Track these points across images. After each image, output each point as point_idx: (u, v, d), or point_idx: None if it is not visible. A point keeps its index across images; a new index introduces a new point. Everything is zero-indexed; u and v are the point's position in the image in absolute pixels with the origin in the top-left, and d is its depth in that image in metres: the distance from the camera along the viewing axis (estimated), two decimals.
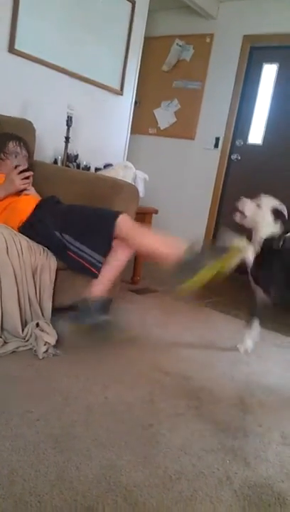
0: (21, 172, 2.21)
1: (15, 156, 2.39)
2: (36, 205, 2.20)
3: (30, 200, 2.20)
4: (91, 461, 1.30)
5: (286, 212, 2.15)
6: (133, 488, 1.22)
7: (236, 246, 1.94)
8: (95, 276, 2.09)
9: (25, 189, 2.25)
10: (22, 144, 2.45)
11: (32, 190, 2.33)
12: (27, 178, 2.23)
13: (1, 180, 2.24)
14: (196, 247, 1.97)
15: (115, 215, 2.08)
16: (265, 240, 2.13)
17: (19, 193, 2.25)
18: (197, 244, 1.99)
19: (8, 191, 2.20)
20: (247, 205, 2.18)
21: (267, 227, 2.13)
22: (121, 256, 2.14)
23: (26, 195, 2.27)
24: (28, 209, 2.15)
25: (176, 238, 2.07)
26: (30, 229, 2.12)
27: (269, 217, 2.14)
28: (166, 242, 2.06)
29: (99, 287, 2.11)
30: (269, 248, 2.12)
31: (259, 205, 2.16)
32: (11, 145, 2.39)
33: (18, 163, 2.35)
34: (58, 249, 2.08)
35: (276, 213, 2.14)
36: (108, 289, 2.14)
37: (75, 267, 2.09)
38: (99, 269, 2.08)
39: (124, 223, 2.08)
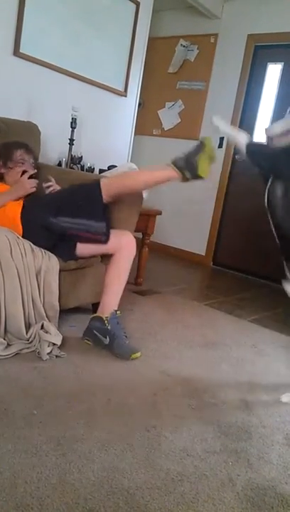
0: (30, 177, 2.25)
1: (23, 163, 2.40)
2: (22, 207, 2.19)
3: (14, 205, 2.19)
4: (93, 464, 1.30)
5: None
6: (135, 491, 1.22)
7: (206, 137, 2.17)
8: (105, 241, 2.16)
9: (34, 192, 2.26)
10: (28, 151, 2.45)
11: None
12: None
13: (2, 189, 2.26)
14: (179, 159, 2.13)
15: (97, 181, 2.16)
16: None
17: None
18: (178, 158, 2.13)
19: (19, 194, 2.22)
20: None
21: None
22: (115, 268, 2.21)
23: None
24: (16, 215, 2.15)
25: (155, 165, 2.23)
26: (30, 230, 2.12)
27: None
28: (152, 169, 2.24)
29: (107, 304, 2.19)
30: None
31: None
32: (18, 154, 2.39)
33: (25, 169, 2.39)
34: (61, 235, 2.12)
35: None
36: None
37: (84, 241, 2.17)
38: (106, 235, 2.15)
39: (107, 182, 2.16)
